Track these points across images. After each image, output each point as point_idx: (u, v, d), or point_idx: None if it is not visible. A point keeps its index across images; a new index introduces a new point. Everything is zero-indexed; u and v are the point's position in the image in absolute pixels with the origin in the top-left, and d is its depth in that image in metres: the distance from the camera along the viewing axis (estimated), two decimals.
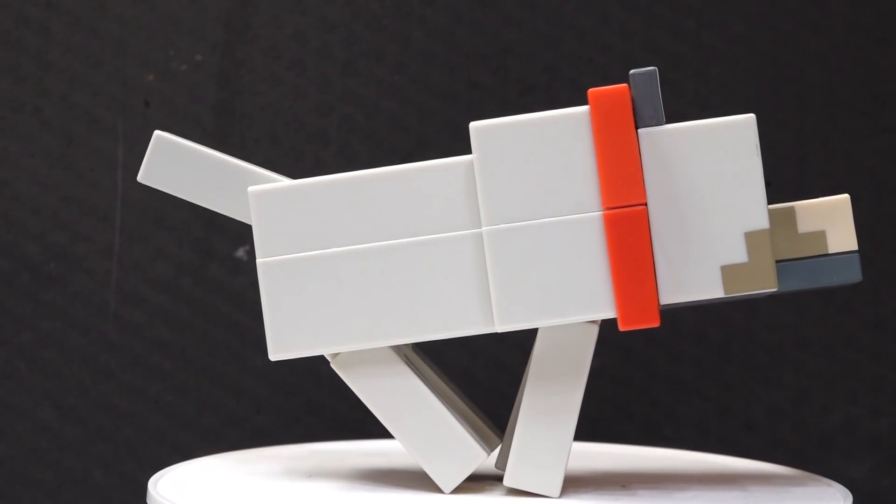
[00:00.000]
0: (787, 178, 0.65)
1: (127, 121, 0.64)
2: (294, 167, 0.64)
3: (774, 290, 0.41)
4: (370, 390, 0.44)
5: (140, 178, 0.46)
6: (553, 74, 0.65)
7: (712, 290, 0.41)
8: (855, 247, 0.41)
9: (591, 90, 0.41)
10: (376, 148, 0.65)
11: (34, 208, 0.63)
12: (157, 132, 0.46)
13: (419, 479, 0.46)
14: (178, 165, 0.46)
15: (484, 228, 0.42)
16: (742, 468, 0.51)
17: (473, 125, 0.42)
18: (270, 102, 0.65)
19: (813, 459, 0.64)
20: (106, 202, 0.64)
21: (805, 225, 0.42)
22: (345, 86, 0.65)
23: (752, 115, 0.41)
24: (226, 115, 0.64)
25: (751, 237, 0.41)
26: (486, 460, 0.44)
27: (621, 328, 0.41)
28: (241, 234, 0.64)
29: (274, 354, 0.43)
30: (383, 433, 0.62)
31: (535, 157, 0.42)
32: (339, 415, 0.64)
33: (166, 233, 0.64)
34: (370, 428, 0.63)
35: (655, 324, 0.41)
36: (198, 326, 0.64)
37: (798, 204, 0.42)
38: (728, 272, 0.41)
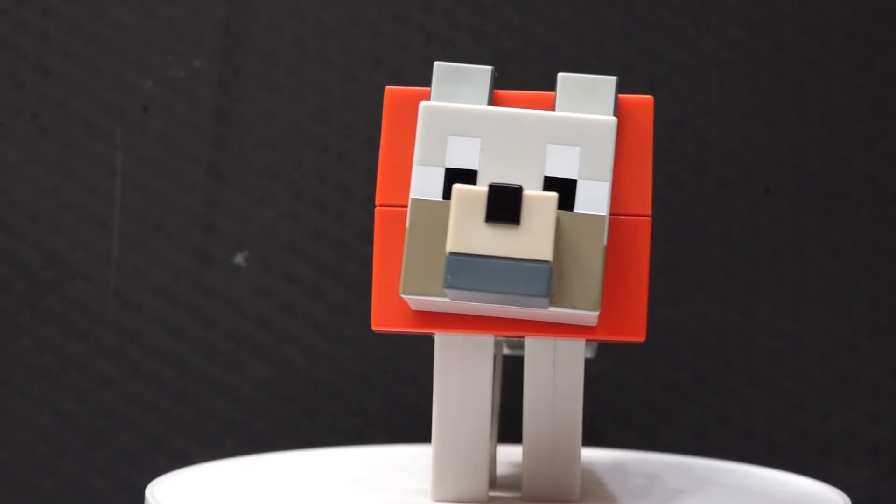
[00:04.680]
0: (785, 184, 0.65)
1: (125, 127, 0.64)
2: (292, 173, 0.64)
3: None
4: None
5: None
6: (551, 81, 0.65)
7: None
8: (450, 248, 0.36)
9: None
10: (375, 155, 0.65)
11: (32, 214, 0.63)
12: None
13: (412, 484, 0.46)
14: None
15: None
16: (741, 474, 0.50)
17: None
18: (269, 108, 0.64)
19: (812, 466, 0.64)
20: (104, 208, 0.63)
21: None
22: (343, 92, 0.65)
23: (423, 102, 0.39)
24: (224, 122, 0.64)
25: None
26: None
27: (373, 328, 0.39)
28: (239, 240, 0.64)
29: None
30: (380, 440, 0.62)
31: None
32: (337, 422, 0.64)
33: (165, 239, 0.64)
34: (368, 435, 0.64)
35: (375, 326, 0.39)
36: (196, 333, 0.64)
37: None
38: None
